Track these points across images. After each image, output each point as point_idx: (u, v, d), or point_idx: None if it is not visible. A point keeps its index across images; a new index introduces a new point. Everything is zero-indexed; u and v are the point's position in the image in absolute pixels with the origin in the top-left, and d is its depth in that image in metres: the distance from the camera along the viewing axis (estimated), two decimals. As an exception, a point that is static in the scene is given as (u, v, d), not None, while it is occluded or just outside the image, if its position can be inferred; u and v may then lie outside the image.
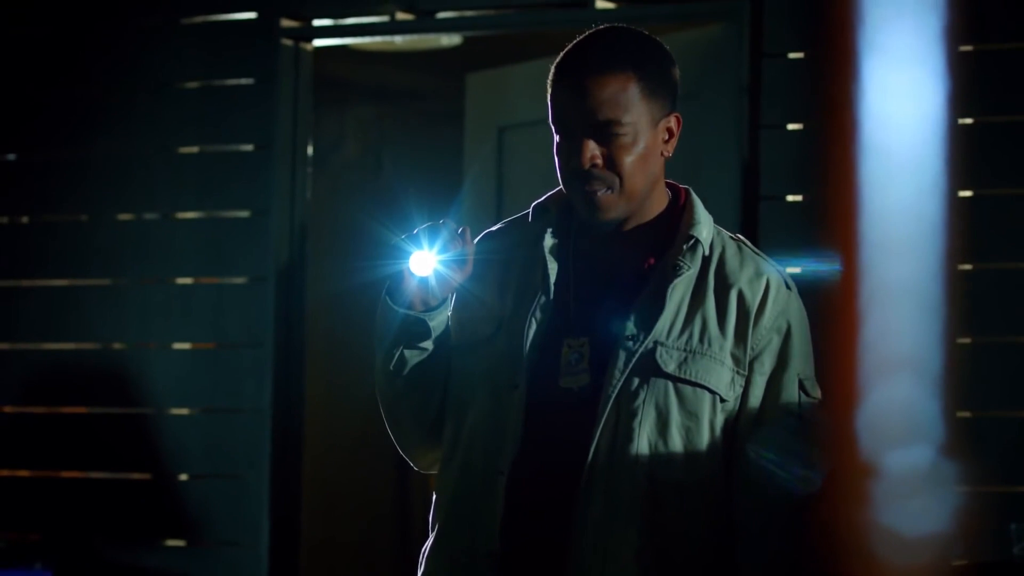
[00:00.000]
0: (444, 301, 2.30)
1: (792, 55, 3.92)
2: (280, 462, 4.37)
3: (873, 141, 1.09)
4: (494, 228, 2.42)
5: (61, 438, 4.50)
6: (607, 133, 2.20)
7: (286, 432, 4.39)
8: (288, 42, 4.43)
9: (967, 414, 3.74)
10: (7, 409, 4.54)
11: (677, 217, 2.30)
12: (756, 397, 2.22)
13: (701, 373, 2.21)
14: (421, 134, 6.39)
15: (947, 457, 1.04)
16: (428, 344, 2.30)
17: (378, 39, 4.66)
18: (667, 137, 2.25)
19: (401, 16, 4.38)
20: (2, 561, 4.33)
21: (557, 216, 2.32)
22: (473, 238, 2.33)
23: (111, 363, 4.48)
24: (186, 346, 4.46)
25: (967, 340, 3.74)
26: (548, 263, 2.28)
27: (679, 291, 2.23)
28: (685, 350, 2.21)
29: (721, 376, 2.21)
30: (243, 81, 4.44)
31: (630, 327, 2.22)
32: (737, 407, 2.22)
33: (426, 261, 2.26)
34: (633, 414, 2.19)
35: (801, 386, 2.22)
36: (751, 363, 2.22)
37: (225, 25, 4.47)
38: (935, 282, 1.08)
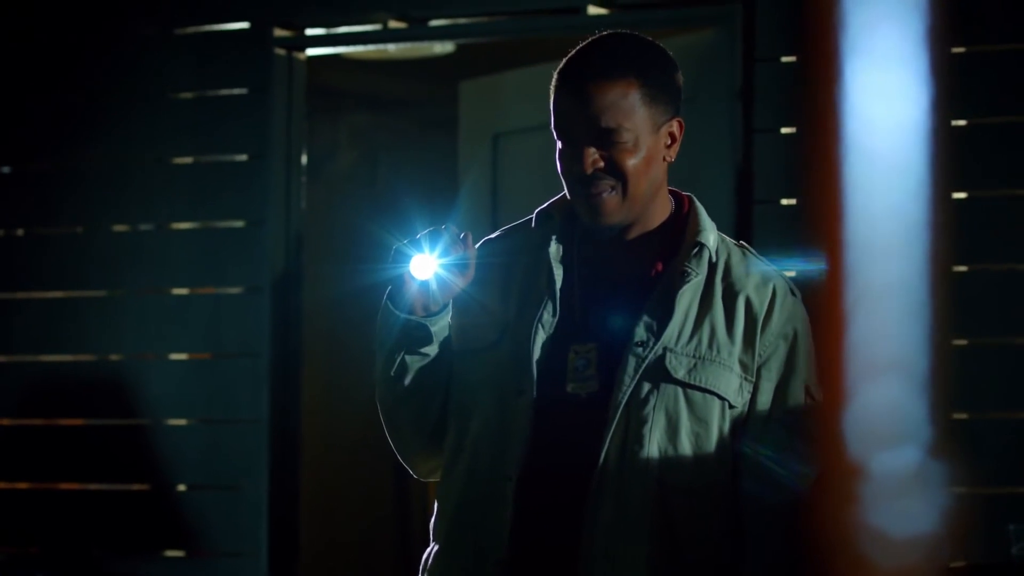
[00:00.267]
0: (446, 306, 2.30)
1: (785, 59, 3.93)
2: (278, 471, 4.37)
3: (866, 144, 1.09)
4: (492, 236, 2.42)
5: (59, 450, 4.49)
6: (609, 139, 2.20)
7: (284, 441, 4.39)
8: (281, 51, 4.43)
9: (963, 416, 3.74)
10: (5, 422, 4.54)
11: (681, 224, 2.30)
12: (763, 403, 2.23)
13: (711, 379, 2.21)
14: (415, 142, 6.40)
15: (940, 458, 1.04)
16: (429, 349, 2.30)
17: (371, 47, 4.66)
18: (669, 142, 2.26)
19: (394, 24, 4.39)
20: (2, 574, 4.33)
21: (560, 222, 2.32)
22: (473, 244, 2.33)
23: (108, 374, 4.48)
24: (183, 356, 4.46)
25: (963, 342, 3.74)
26: (554, 268, 2.28)
27: (687, 297, 2.24)
28: (694, 356, 2.22)
29: (730, 382, 2.22)
30: (237, 91, 4.44)
31: (639, 333, 2.22)
32: (745, 412, 2.23)
33: (428, 265, 2.26)
34: (643, 420, 2.20)
35: (807, 391, 2.24)
36: (759, 369, 2.23)
37: (218, 35, 4.48)
38: (930, 284, 1.08)
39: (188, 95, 4.49)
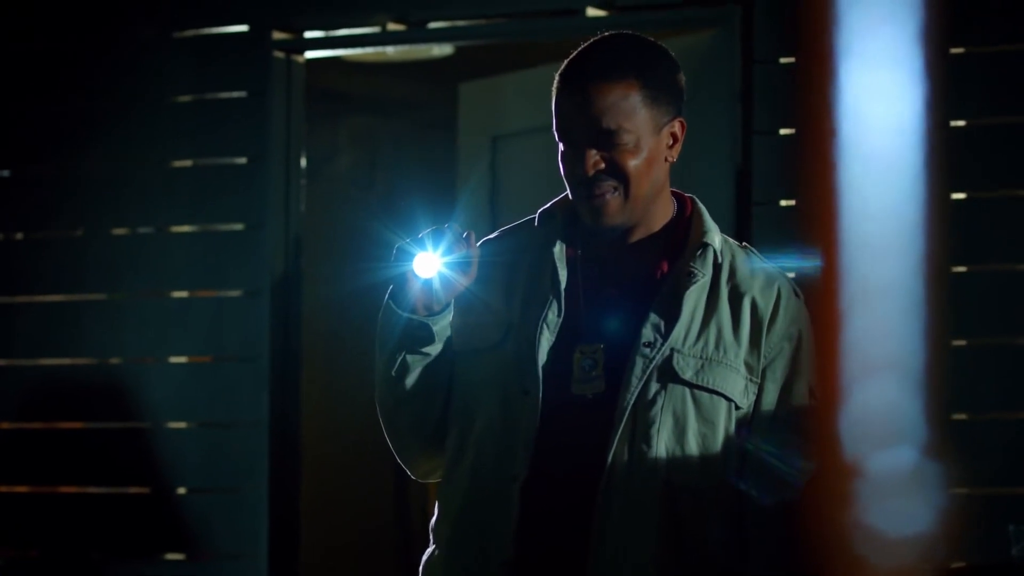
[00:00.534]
0: (448, 305, 2.29)
1: (783, 60, 3.93)
2: (278, 474, 4.37)
3: (864, 145, 1.09)
4: (491, 236, 2.41)
5: (59, 454, 4.49)
6: (610, 141, 2.20)
7: (284, 444, 4.39)
8: (280, 54, 4.43)
9: (963, 416, 3.74)
10: (4, 425, 4.54)
11: (685, 225, 2.30)
12: (767, 404, 2.23)
13: (718, 380, 2.22)
14: (414, 144, 6.40)
15: (938, 459, 1.04)
16: (431, 349, 2.29)
17: (370, 50, 4.66)
18: (671, 142, 2.26)
19: (393, 27, 4.38)
20: (1, 577, 4.33)
21: (563, 223, 2.32)
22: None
23: (108, 378, 4.48)
24: (182, 360, 4.46)
25: (962, 342, 3.74)
26: (559, 268, 2.28)
27: (693, 298, 2.24)
28: (701, 357, 2.22)
29: (736, 384, 2.22)
30: (236, 94, 4.44)
31: (647, 334, 2.22)
32: (750, 413, 2.23)
33: (430, 264, 2.25)
34: (651, 421, 2.20)
35: (810, 392, 2.24)
36: (763, 371, 2.24)
37: (217, 38, 4.48)
38: (928, 285, 1.08)
39: (187, 98, 4.49)
